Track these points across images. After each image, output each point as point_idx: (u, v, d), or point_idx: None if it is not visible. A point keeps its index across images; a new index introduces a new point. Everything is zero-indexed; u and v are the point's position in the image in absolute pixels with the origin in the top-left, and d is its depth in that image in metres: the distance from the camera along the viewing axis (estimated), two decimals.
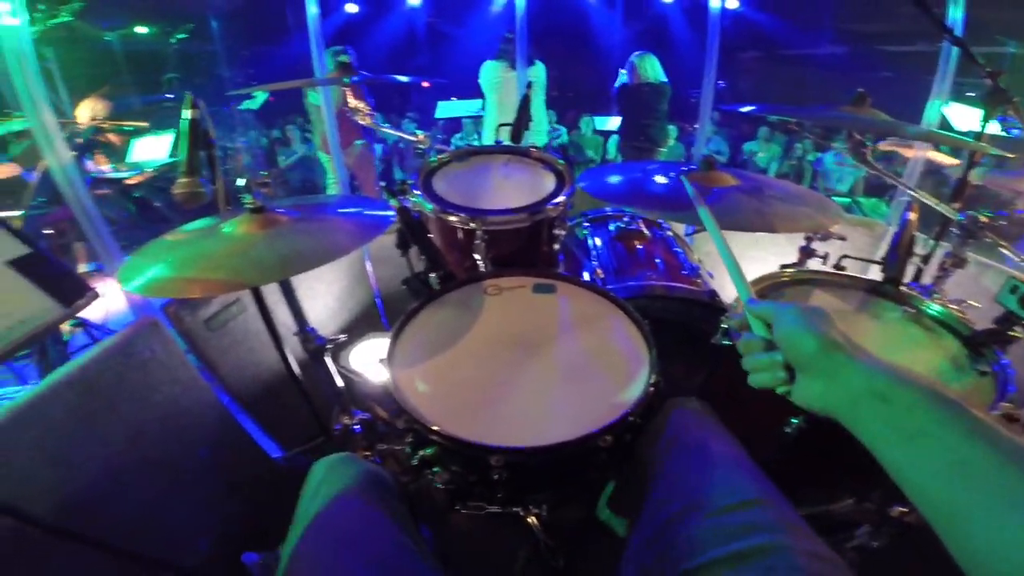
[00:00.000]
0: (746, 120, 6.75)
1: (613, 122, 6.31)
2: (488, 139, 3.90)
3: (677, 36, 7.59)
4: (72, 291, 0.80)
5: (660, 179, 1.27)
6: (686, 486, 0.73)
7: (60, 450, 0.99)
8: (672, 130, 4.17)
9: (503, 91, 3.65)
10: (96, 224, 2.16)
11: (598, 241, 1.75)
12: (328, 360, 1.26)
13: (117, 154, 4.39)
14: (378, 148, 5.61)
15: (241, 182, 0.92)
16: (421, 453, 0.87)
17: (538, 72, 3.63)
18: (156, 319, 1.26)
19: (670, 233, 1.81)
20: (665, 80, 3.92)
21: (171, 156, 4.29)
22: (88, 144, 4.13)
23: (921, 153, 2.18)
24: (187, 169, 0.88)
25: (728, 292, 1.87)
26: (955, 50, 2.23)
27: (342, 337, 1.30)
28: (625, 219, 1.77)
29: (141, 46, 7.13)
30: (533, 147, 1.59)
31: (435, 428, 0.79)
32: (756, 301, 0.63)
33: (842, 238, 1.38)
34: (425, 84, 3.65)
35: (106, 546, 0.92)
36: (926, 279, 1.21)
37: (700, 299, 1.38)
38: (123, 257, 2.44)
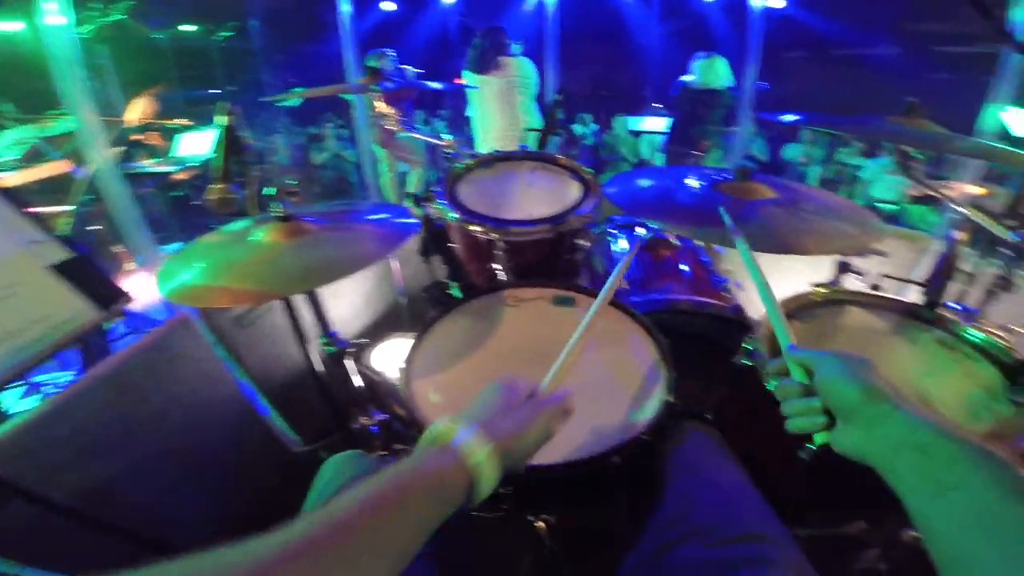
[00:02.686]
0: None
1: (647, 123, 6.18)
2: (479, 146, 3.61)
3: (718, 35, 7.37)
4: (109, 295, 0.84)
5: (692, 183, 1.22)
6: (693, 511, 0.73)
7: (90, 442, 1.05)
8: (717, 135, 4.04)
9: (484, 94, 3.36)
10: (134, 223, 2.19)
11: (624, 248, 1.72)
12: (349, 363, 1.28)
13: (159, 153, 4.51)
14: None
15: (270, 190, 0.95)
16: None
17: (521, 68, 3.25)
18: (188, 316, 1.31)
19: (699, 241, 1.76)
20: (728, 86, 3.82)
21: (213, 152, 4.41)
22: (133, 144, 4.26)
23: (961, 191, 2.02)
24: (221, 175, 0.90)
25: (755, 305, 1.80)
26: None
27: (363, 341, 1.32)
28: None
29: (188, 43, 7.43)
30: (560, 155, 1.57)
31: None
32: (796, 348, 0.63)
33: (883, 254, 1.30)
34: (458, 81, 3.60)
35: (121, 530, 0.97)
36: (971, 301, 1.13)
37: (725, 315, 1.34)
38: (159, 250, 2.54)
